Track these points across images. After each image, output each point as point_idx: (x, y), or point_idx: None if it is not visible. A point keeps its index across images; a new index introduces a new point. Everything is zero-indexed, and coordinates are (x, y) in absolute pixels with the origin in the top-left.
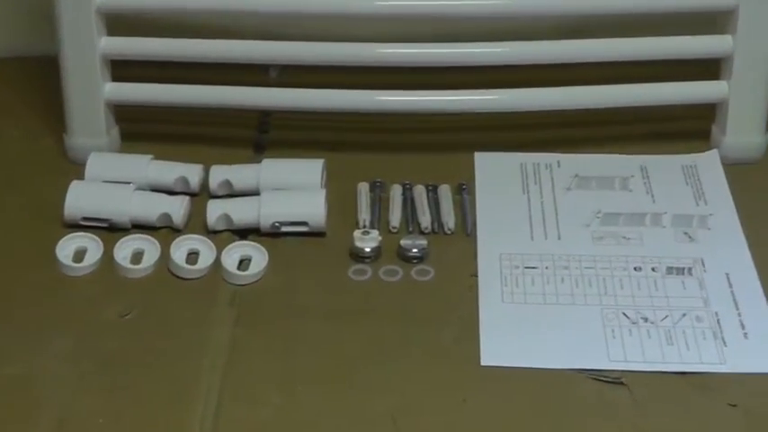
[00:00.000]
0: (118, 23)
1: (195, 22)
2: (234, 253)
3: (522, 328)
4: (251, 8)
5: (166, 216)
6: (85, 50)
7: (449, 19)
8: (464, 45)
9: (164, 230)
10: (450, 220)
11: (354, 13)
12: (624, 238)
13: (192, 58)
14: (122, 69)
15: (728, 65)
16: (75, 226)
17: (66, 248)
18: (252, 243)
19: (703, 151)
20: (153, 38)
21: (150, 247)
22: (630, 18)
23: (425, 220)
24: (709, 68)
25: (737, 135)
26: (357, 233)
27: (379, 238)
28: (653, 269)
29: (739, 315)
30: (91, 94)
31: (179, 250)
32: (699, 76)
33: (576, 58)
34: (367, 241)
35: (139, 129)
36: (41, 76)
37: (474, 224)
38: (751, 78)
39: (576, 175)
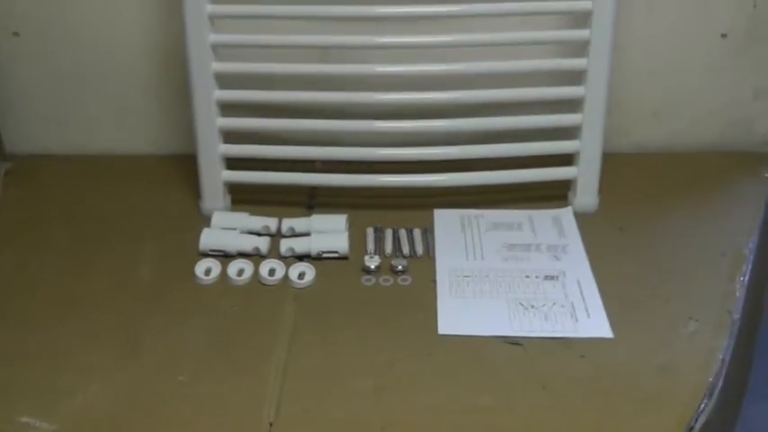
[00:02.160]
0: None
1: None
2: (296, 269)
3: (462, 312)
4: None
5: (257, 248)
6: (212, 153)
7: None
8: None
9: (255, 257)
10: (419, 249)
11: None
12: (520, 259)
13: (272, 157)
14: (232, 161)
15: (577, 159)
16: (205, 254)
17: (200, 267)
18: (306, 263)
19: (563, 207)
20: (251, 145)
21: (248, 267)
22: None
23: (405, 249)
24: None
25: (582, 197)
26: (366, 257)
27: (379, 260)
28: (536, 277)
29: (584, 303)
30: (215, 179)
31: (264, 268)
32: (560, 162)
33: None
34: (372, 262)
35: (241, 197)
36: (186, 167)
37: (434, 251)
38: (589, 167)
39: (492, 222)
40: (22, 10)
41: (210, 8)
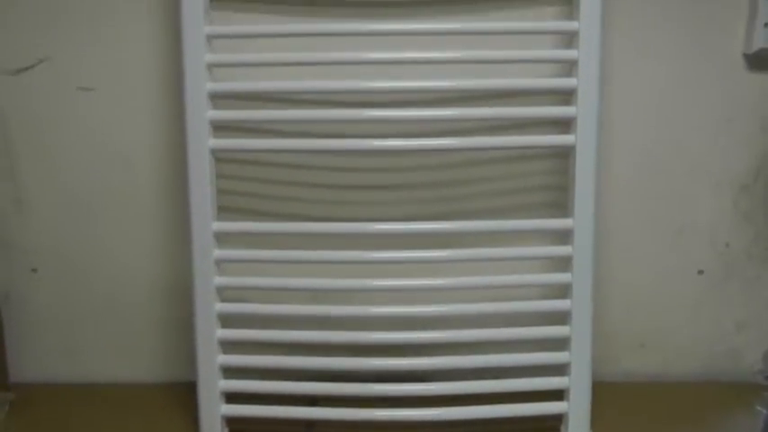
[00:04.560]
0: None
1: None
2: None
3: None
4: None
5: None
6: (212, 389)
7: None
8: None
9: None
10: None
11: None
12: None
13: (271, 392)
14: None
15: (567, 395)
16: None
17: None
18: None
19: None
20: (250, 380)
21: None
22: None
23: None
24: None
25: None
26: None
27: None
28: None
29: None
30: (214, 413)
31: None
32: (552, 398)
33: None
34: None
35: (239, 427)
36: (185, 395)
37: None
38: (579, 403)
39: None
40: (44, 249)
41: (218, 253)
